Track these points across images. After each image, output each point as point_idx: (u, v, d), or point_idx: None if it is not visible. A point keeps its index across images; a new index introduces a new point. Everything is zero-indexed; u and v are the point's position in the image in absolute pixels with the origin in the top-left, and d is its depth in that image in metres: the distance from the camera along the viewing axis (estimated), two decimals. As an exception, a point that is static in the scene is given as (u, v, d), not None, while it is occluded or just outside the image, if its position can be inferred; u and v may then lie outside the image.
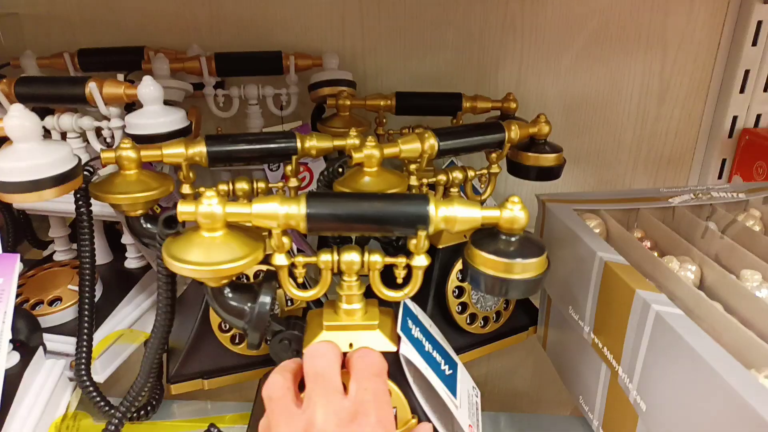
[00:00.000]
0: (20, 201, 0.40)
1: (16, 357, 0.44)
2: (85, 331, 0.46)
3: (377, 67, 0.78)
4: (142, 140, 0.49)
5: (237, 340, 0.50)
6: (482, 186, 0.56)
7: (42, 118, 0.51)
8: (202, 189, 0.48)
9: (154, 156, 0.46)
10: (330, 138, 0.50)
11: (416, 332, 0.40)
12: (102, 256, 0.60)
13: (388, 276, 0.38)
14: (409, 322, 0.40)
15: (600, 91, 0.77)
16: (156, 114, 0.50)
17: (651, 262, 0.43)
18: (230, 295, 0.36)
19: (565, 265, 0.47)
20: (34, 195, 0.40)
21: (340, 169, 0.48)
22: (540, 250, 0.36)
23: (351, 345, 0.38)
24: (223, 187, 0.49)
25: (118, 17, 0.76)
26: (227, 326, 0.50)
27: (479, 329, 0.55)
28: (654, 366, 0.35)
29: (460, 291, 0.53)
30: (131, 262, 0.60)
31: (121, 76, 0.54)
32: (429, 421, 0.38)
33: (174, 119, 0.51)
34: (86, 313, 0.46)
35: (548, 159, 0.55)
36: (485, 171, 0.54)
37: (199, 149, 0.46)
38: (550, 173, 0.56)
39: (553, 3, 0.72)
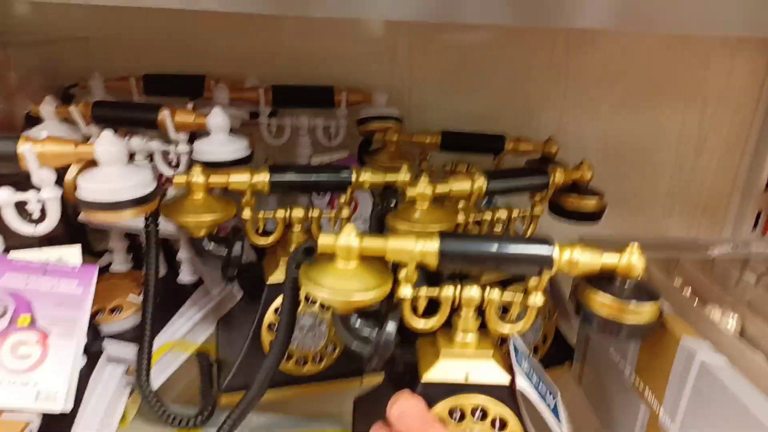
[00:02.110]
0: (101, 219, 0.44)
1: (83, 360, 0.47)
2: (147, 339, 0.49)
3: (423, 102, 0.81)
4: (207, 166, 0.52)
5: (285, 358, 0.53)
6: (524, 226, 0.58)
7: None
8: (261, 214, 0.52)
9: (221, 182, 0.49)
10: (383, 173, 0.53)
11: (525, 365, 0.42)
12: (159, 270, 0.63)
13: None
14: (519, 355, 0.42)
15: (639, 139, 0.79)
16: (222, 142, 0.54)
17: (692, 310, 0.44)
18: (357, 323, 0.38)
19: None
20: (114, 215, 0.43)
21: (394, 204, 0.51)
22: (655, 296, 0.38)
23: (467, 375, 0.40)
24: (281, 213, 0.52)
25: (181, 44, 0.81)
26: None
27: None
28: (696, 413, 0.36)
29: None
30: (185, 276, 0.63)
31: (190, 105, 0.58)
32: None
33: (238, 148, 0.54)
34: (149, 322, 0.49)
35: (590, 204, 0.58)
36: (528, 211, 0.57)
37: (263, 177, 0.50)
38: (590, 217, 0.58)
39: (596, 50, 0.75)
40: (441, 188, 0.50)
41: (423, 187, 0.49)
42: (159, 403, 0.47)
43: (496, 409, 0.39)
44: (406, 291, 0.38)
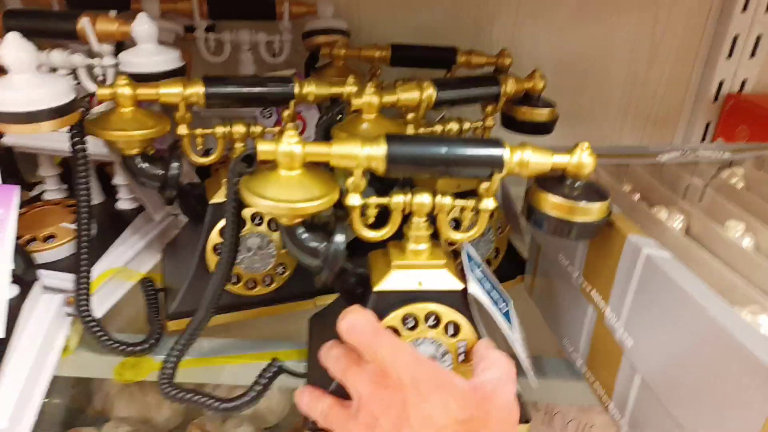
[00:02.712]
0: (16, 132, 0.40)
1: (16, 289, 0.44)
2: (84, 267, 0.46)
3: (372, 17, 0.77)
4: (136, 79, 0.48)
5: (235, 280, 0.51)
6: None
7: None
8: (198, 131, 0.48)
9: (150, 95, 0.46)
10: (328, 84, 0.50)
11: (478, 272, 0.42)
12: (94, 196, 0.59)
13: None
14: (472, 263, 0.42)
15: (592, 51, 0.77)
16: (151, 53, 0.50)
17: (640, 211, 0.44)
18: (304, 235, 0.37)
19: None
20: (30, 127, 0.40)
21: (339, 116, 0.49)
22: (604, 195, 0.38)
23: (420, 283, 0.39)
24: (220, 129, 0.49)
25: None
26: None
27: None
28: (641, 308, 0.37)
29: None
30: (123, 203, 0.59)
31: (113, 13, 0.53)
32: None
33: (169, 58, 0.50)
34: (84, 249, 0.46)
35: (542, 114, 0.56)
36: (480, 124, 0.55)
37: (198, 89, 0.46)
38: (543, 128, 0.57)
39: (550, -42, 0.72)
40: (388, 98, 0.48)
41: (369, 97, 0.46)
42: (101, 331, 0.45)
43: (449, 314, 0.39)
44: (354, 199, 0.37)
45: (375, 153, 0.35)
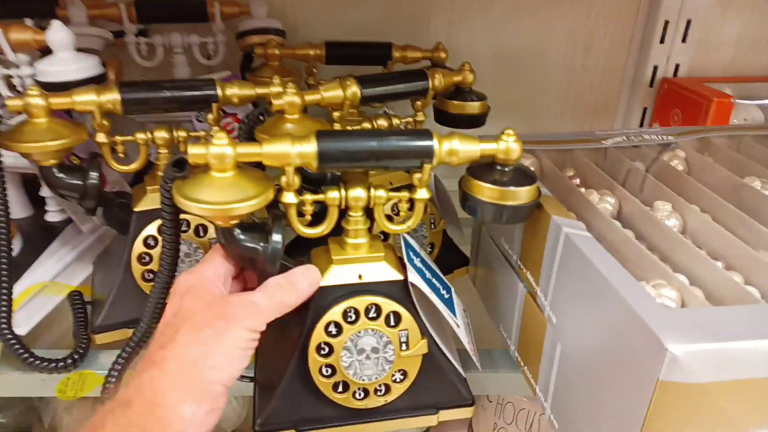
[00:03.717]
0: None
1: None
2: (3, 284, 0.45)
3: (307, 16, 0.76)
4: (53, 88, 0.47)
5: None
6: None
7: (-55, 65, 0.49)
8: (118, 138, 0.47)
9: (63, 103, 0.44)
10: (252, 86, 0.49)
11: (417, 262, 0.42)
12: (21, 209, 0.58)
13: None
14: (411, 253, 0.42)
15: (529, 41, 0.78)
16: (67, 61, 0.49)
17: (575, 196, 0.45)
18: (241, 236, 0.37)
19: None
20: (-68, 142, 0.38)
21: (261, 117, 0.48)
22: (532, 179, 0.39)
23: (360, 276, 0.40)
24: (141, 135, 0.48)
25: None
26: (149, 276, 0.50)
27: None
28: (563, 283, 0.38)
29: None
30: (52, 216, 0.58)
31: (30, 21, 0.52)
32: (434, 341, 0.42)
33: (86, 65, 0.49)
34: (3, 264, 0.45)
35: (473, 107, 0.57)
36: (410, 119, 0.55)
37: (113, 96, 0.45)
38: (475, 121, 0.57)
39: (484, -49, 0.72)
40: (310, 97, 0.47)
41: (290, 97, 0.46)
42: (21, 349, 0.44)
43: (389, 305, 0.40)
44: (289, 197, 0.37)
45: (306, 150, 0.35)
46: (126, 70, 0.68)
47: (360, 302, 0.40)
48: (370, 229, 0.41)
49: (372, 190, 0.38)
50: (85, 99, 0.45)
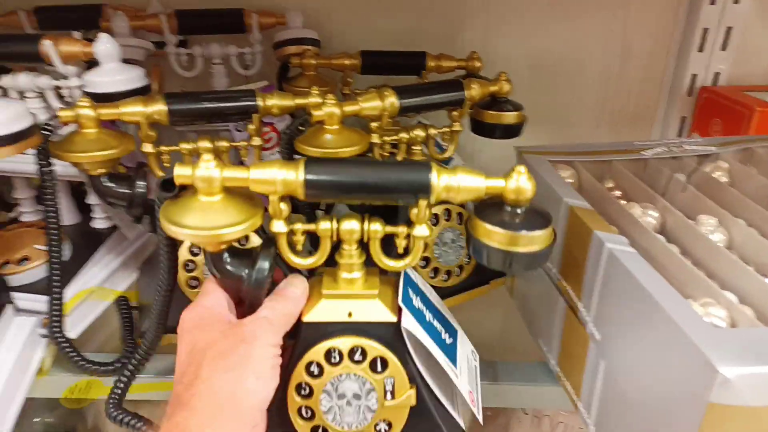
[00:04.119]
0: (-24, 159, 0.40)
1: (-15, 314, 0.44)
2: (56, 288, 0.46)
3: (343, 25, 0.77)
4: (100, 99, 0.49)
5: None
6: (446, 144, 0.57)
7: (-2, 77, 0.51)
8: (163, 148, 0.49)
9: (112, 114, 0.46)
10: (291, 96, 0.50)
11: (417, 302, 0.39)
12: (69, 216, 0.60)
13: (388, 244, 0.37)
14: (410, 291, 0.39)
15: (565, 50, 0.77)
16: (113, 72, 0.50)
17: (616, 208, 0.45)
18: (229, 260, 0.35)
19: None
20: (-12, 153, 0.40)
21: (301, 127, 0.49)
22: (546, 222, 0.34)
23: (350, 314, 0.37)
24: (185, 145, 0.49)
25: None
26: (194, 283, 0.51)
27: (442, 282, 0.57)
28: (607, 299, 0.38)
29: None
30: (98, 223, 0.60)
31: (77, 34, 0.53)
32: (429, 388, 0.38)
33: (132, 77, 0.51)
34: (56, 270, 0.46)
35: (509, 117, 0.57)
36: (447, 129, 0.55)
37: (159, 107, 0.46)
38: (511, 131, 0.57)
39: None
40: (350, 108, 0.48)
41: (330, 108, 0.47)
42: (73, 352, 0.46)
43: (376, 349, 0.37)
44: (278, 226, 0.35)
45: (292, 178, 0.34)
46: (166, 80, 0.70)
47: (344, 343, 0.37)
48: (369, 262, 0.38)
49: (366, 222, 0.36)
50: (132, 110, 0.46)
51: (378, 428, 0.38)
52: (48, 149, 0.46)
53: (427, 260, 0.56)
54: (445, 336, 0.40)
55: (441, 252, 0.56)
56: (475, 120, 0.58)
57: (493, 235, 0.34)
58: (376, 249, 0.37)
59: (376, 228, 0.36)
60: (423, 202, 0.34)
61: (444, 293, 0.57)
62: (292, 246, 0.37)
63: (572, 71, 0.79)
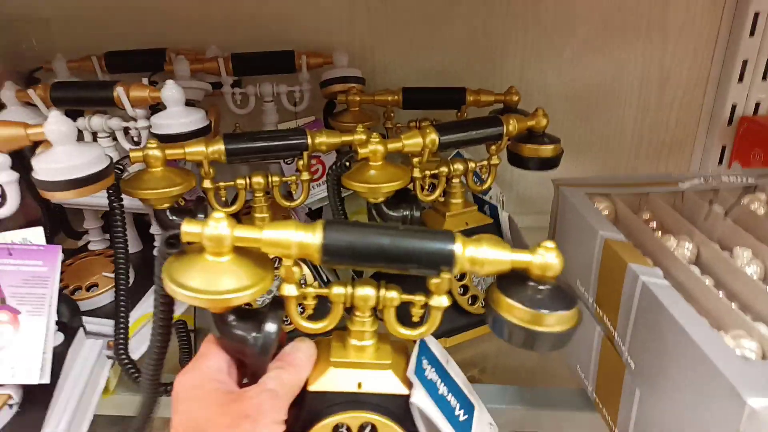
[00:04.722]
0: (59, 198, 0.45)
1: (60, 337, 0.49)
2: (122, 312, 0.50)
3: (385, 62, 0.81)
4: (166, 139, 0.53)
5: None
6: (485, 176, 0.59)
7: (74, 119, 0.56)
8: (221, 184, 0.53)
9: (177, 154, 0.50)
10: (338, 135, 0.54)
11: (431, 373, 0.37)
12: (133, 244, 0.65)
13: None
14: (424, 362, 0.37)
15: (602, 81, 0.79)
16: (178, 115, 0.55)
17: (651, 240, 0.46)
18: (234, 323, 0.33)
19: (575, 244, 0.51)
20: (72, 193, 0.45)
21: (348, 163, 0.52)
22: (571, 302, 0.33)
23: (360, 385, 0.35)
24: (240, 181, 0.53)
25: (142, 17, 0.80)
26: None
27: (480, 309, 0.59)
28: (641, 329, 0.39)
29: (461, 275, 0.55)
30: (159, 251, 0.64)
31: (145, 80, 0.59)
32: None
33: (195, 119, 0.55)
34: (122, 296, 0.51)
35: (546, 150, 0.58)
36: (485, 162, 0.58)
37: (218, 147, 0.51)
38: (548, 163, 0.59)
39: (556, -6, 0.75)
40: (393, 145, 0.51)
41: (375, 146, 0.50)
42: (137, 373, 0.49)
43: (388, 427, 0.34)
44: (289, 289, 0.34)
45: (309, 241, 0.32)
46: (222, 117, 0.75)
47: (354, 419, 0.34)
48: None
49: (383, 290, 0.34)
50: (195, 150, 0.50)
51: None
52: (119, 186, 0.50)
53: (465, 288, 0.58)
54: (459, 413, 0.37)
55: (480, 278, 0.58)
56: (512, 153, 0.60)
57: (514, 311, 0.32)
58: (390, 318, 0.35)
59: (392, 296, 0.34)
60: (445, 275, 0.33)
61: (482, 320, 0.59)
62: (304, 310, 0.35)
63: (609, 101, 0.80)
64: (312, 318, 0.35)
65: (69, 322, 0.52)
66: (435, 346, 0.39)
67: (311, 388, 0.34)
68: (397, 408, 0.35)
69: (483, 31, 0.78)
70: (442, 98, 0.70)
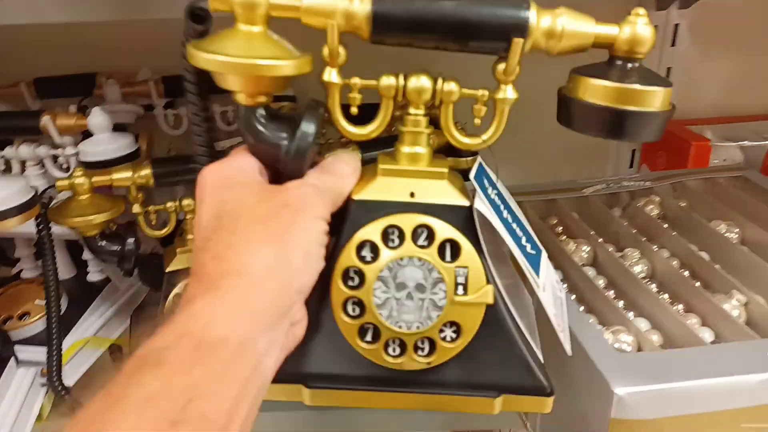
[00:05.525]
0: (-14, 231, 0.46)
1: (-8, 368, 0.49)
2: (54, 340, 0.51)
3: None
4: (94, 166, 0.54)
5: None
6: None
7: (2, 148, 0.57)
8: (151, 208, 0.54)
9: (104, 181, 0.51)
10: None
11: (492, 193, 0.33)
12: (66, 270, 0.65)
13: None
14: (486, 180, 0.33)
15: (523, 94, 0.83)
16: (105, 141, 0.56)
17: (553, 244, 0.50)
18: (265, 120, 0.29)
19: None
20: (-2, 225, 0.45)
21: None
22: (665, 82, 0.29)
23: (412, 194, 0.31)
24: (170, 204, 0.54)
25: (72, 43, 0.79)
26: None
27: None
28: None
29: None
30: (93, 276, 0.65)
31: (73, 107, 0.59)
32: (502, 298, 0.31)
33: (122, 145, 0.56)
34: (54, 324, 0.51)
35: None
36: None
37: (146, 172, 0.52)
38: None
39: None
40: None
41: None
42: (70, 398, 0.50)
43: (447, 231, 0.30)
44: (331, 74, 0.29)
45: (356, 8, 0.28)
46: (156, 138, 0.75)
47: (408, 221, 0.30)
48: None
49: (440, 81, 0.30)
50: (122, 176, 0.52)
51: (443, 334, 0.31)
52: (47, 215, 0.51)
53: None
54: (526, 244, 0.33)
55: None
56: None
57: (600, 92, 0.29)
58: (448, 117, 0.31)
59: (451, 88, 0.30)
60: (516, 47, 0.28)
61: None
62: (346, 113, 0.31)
63: (531, 111, 0.84)
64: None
65: (1, 352, 0.52)
66: (492, 174, 0.35)
67: (356, 197, 0.31)
68: (455, 217, 0.30)
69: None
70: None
